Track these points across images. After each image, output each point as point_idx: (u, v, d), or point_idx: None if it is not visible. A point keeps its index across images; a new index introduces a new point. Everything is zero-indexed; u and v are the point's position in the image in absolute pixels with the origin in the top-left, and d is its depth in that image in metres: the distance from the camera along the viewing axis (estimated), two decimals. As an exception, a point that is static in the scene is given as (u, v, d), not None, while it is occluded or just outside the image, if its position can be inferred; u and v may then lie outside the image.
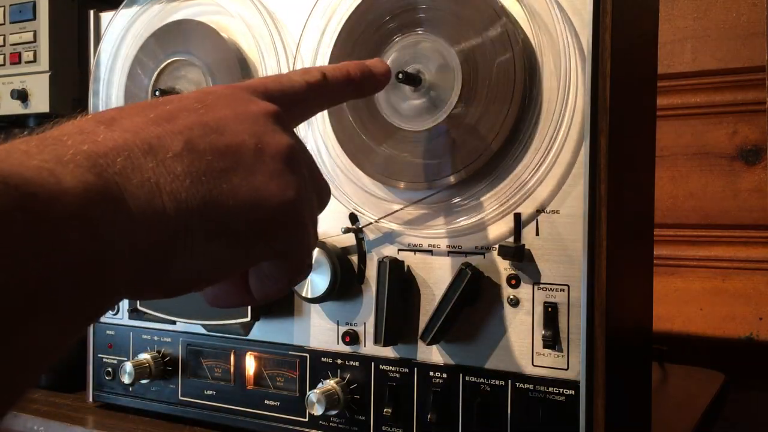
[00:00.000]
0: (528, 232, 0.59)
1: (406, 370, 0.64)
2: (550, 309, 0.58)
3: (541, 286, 0.58)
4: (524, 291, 0.59)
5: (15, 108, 0.90)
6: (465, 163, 0.60)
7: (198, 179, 0.34)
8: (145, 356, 0.76)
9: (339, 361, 0.67)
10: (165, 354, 0.76)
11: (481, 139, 0.59)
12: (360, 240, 0.66)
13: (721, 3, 1.09)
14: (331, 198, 0.47)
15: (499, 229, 0.60)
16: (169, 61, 0.76)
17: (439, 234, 0.62)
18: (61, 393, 0.84)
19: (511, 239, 0.59)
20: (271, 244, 0.37)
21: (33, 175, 0.28)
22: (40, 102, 0.88)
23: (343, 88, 0.48)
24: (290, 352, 0.69)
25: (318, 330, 0.68)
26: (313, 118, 0.63)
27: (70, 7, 0.90)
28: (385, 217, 0.64)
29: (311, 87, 0.44)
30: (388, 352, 0.64)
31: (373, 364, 0.65)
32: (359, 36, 0.65)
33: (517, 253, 0.58)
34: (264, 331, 0.71)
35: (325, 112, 0.67)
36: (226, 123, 0.37)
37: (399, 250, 0.64)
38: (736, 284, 1.10)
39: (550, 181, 0.58)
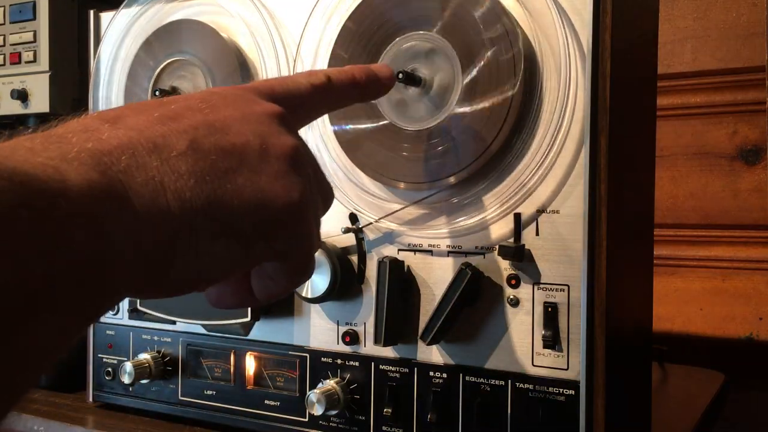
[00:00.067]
0: (528, 232, 0.59)
1: (406, 370, 0.64)
2: (550, 309, 0.58)
3: (541, 286, 0.58)
4: (524, 291, 0.59)
5: (15, 108, 0.90)
6: (465, 163, 0.60)
7: (202, 179, 0.34)
8: (145, 356, 0.76)
9: (339, 361, 0.67)
10: (165, 354, 0.76)
11: (481, 140, 0.59)
12: (360, 240, 0.66)
13: (721, 3, 1.09)
14: (332, 199, 0.47)
15: (500, 229, 0.60)
16: (169, 61, 0.76)
17: (439, 234, 0.62)
18: (61, 393, 0.84)
19: (511, 239, 0.59)
20: (275, 244, 0.37)
21: (38, 172, 0.28)
22: (40, 102, 0.88)
23: (348, 92, 0.48)
24: (290, 352, 0.69)
25: (318, 330, 0.68)
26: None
27: (70, 7, 0.90)
28: (385, 217, 0.64)
29: (316, 89, 0.44)
30: (388, 352, 0.64)
31: (373, 364, 0.65)
32: (359, 36, 0.65)
33: (518, 253, 0.58)
34: (264, 331, 0.71)
35: (326, 112, 0.67)
36: (231, 123, 0.37)
37: (399, 250, 0.64)
38: (736, 284, 1.10)
39: (551, 181, 0.58)
